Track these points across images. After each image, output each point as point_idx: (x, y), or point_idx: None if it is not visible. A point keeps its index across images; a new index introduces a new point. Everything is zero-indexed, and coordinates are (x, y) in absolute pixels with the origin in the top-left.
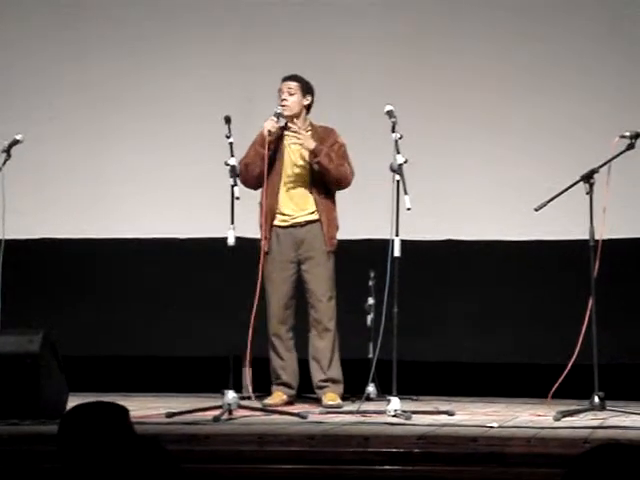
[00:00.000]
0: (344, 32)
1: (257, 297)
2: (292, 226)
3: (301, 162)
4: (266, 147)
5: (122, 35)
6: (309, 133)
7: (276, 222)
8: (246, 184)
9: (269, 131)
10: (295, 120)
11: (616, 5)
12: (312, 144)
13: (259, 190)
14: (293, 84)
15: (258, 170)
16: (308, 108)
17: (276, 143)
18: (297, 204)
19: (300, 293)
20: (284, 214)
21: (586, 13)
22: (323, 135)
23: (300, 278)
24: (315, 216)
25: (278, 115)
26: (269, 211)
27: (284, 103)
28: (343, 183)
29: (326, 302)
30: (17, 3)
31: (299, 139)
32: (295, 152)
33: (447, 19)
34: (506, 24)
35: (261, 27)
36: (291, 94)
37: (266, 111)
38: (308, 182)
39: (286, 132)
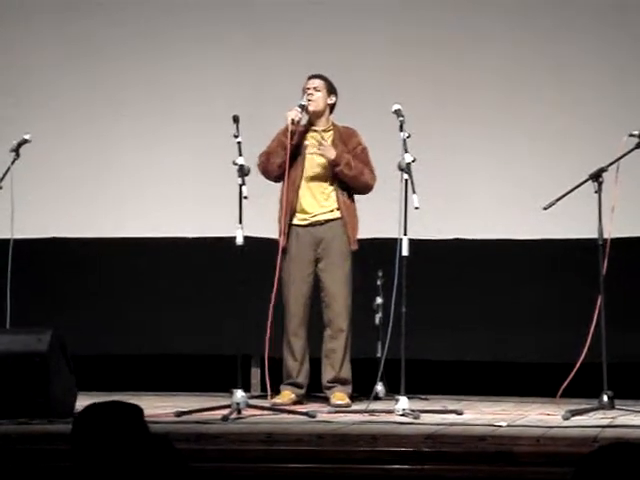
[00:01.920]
0: (353, 32)
1: (275, 293)
2: (311, 225)
3: (323, 160)
4: (289, 136)
5: (130, 33)
6: (330, 132)
7: (295, 221)
8: (267, 175)
9: (292, 120)
10: (318, 119)
11: (622, 3)
12: (332, 154)
13: (278, 185)
14: (319, 82)
15: (280, 160)
16: (332, 108)
17: (299, 139)
18: (318, 201)
19: (315, 291)
20: (304, 212)
21: (592, 11)
22: (345, 136)
23: (317, 277)
24: (336, 214)
25: (302, 107)
26: (288, 207)
27: (311, 97)
28: (364, 190)
29: (342, 302)
30: (21, 3)
31: (319, 149)
32: (316, 152)
33: (455, 20)
34: (515, 24)
35: (270, 26)
36: (317, 90)
37: (273, 111)
38: (330, 179)
39: (309, 133)
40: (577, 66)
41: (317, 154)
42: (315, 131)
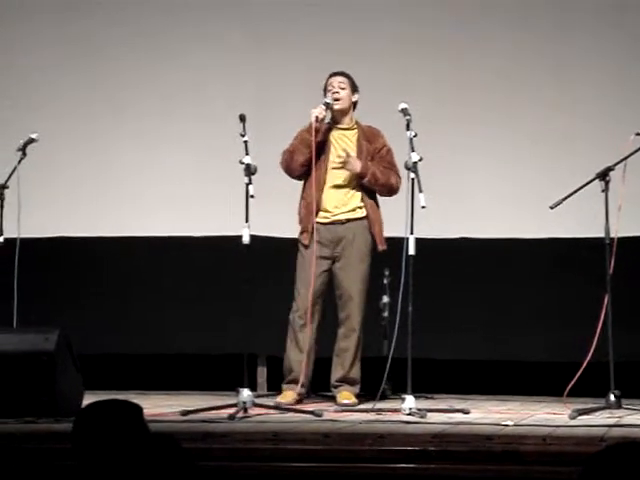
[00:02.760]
0: (356, 31)
1: (312, 287)
2: (332, 223)
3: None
4: (313, 134)
5: (131, 33)
6: (355, 131)
7: (318, 219)
8: (290, 172)
9: (317, 117)
10: (343, 117)
11: (622, 2)
12: (358, 167)
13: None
14: (344, 79)
15: (303, 158)
16: (354, 106)
17: (323, 137)
18: (341, 200)
19: (330, 290)
20: (327, 210)
21: (592, 11)
22: (369, 135)
23: (332, 275)
24: (359, 214)
25: (327, 105)
26: (311, 204)
27: (336, 96)
28: (391, 194)
29: (357, 302)
30: (21, 3)
31: (345, 167)
32: (340, 149)
33: (462, 20)
34: (517, 24)
35: (272, 26)
36: (342, 88)
37: (276, 111)
38: (354, 179)
39: (333, 132)
40: (579, 65)
41: (340, 167)
42: (339, 129)
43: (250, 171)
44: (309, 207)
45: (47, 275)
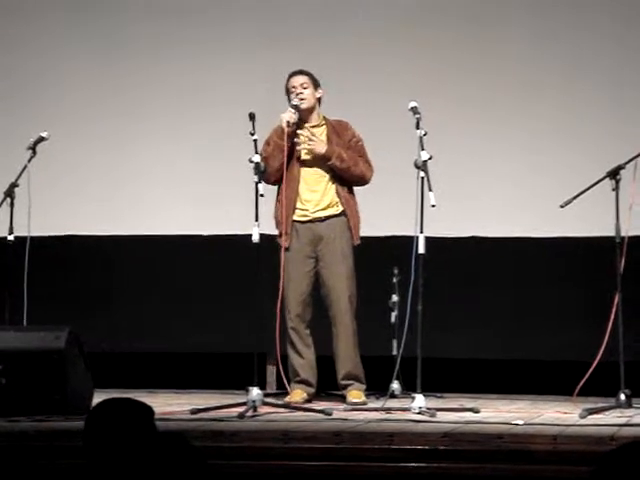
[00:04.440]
0: (370, 28)
1: (281, 293)
2: (311, 221)
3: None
4: (285, 139)
5: (145, 33)
6: (323, 127)
7: (295, 217)
8: (266, 179)
9: (287, 122)
10: (310, 115)
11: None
12: (322, 148)
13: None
14: (305, 78)
15: (278, 163)
16: (319, 101)
17: (293, 137)
18: (317, 196)
19: (316, 289)
20: (304, 208)
21: (608, 8)
22: (338, 129)
23: (318, 274)
24: (336, 210)
25: (295, 107)
26: (289, 205)
27: (301, 96)
28: (361, 182)
29: (346, 299)
30: (36, 1)
31: (310, 145)
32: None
33: (471, 18)
34: (530, 23)
35: (283, 26)
36: (305, 87)
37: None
38: (328, 175)
39: (299, 131)
40: (593, 67)
41: (308, 150)
42: (306, 127)
43: (259, 170)
44: (286, 209)
45: (57, 273)
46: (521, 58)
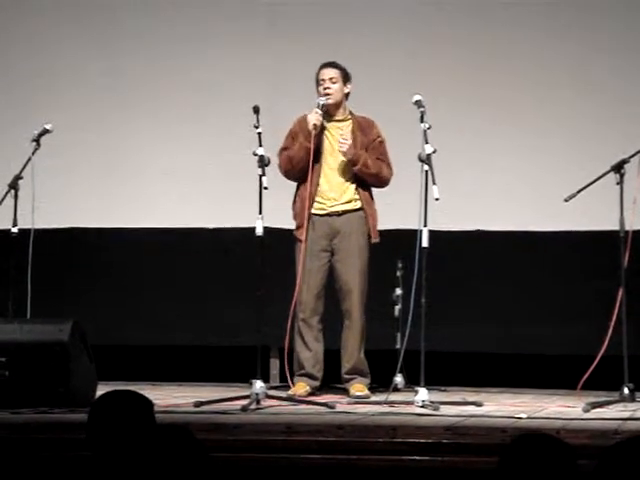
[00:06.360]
0: (375, 22)
1: (298, 285)
2: (329, 215)
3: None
4: (312, 142)
5: (150, 26)
6: (349, 122)
7: (313, 210)
8: (290, 177)
9: (314, 125)
10: (337, 110)
11: None
12: (350, 154)
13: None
14: (335, 71)
15: (303, 164)
16: (347, 96)
17: (320, 135)
18: (336, 192)
19: (329, 282)
20: (322, 202)
21: (615, 10)
22: (364, 126)
23: (332, 268)
24: (354, 205)
25: (322, 106)
26: (309, 198)
27: (328, 92)
28: (382, 185)
29: (358, 294)
30: None
31: (340, 147)
32: (336, 142)
33: (477, 16)
34: (535, 21)
35: (287, 19)
36: (333, 82)
37: (294, 102)
38: (348, 171)
39: (328, 124)
40: (597, 62)
41: (339, 147)
42: (333, 121)
43: (263, 163)
44: (305, 202)
45: (61, 266)
46: (526, 54)
